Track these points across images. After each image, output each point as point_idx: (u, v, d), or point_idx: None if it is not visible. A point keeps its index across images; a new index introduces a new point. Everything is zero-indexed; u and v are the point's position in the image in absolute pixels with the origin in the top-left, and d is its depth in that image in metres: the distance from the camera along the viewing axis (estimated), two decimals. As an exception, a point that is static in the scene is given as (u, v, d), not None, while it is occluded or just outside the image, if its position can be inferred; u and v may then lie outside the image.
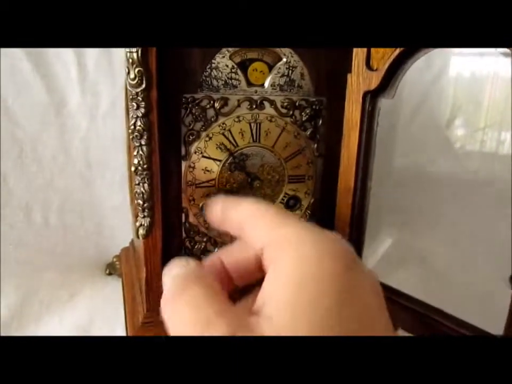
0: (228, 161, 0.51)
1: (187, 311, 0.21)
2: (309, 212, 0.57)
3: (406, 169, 0.92)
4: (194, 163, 0.50)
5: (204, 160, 0.50)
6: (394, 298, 0.50)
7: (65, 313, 0.59)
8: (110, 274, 0.71)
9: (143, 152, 0.44)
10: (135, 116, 0.43)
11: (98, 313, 0.60)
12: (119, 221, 0.72)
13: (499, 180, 0.93)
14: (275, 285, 0.20)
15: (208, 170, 0.51)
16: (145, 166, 0.45)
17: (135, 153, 0.44)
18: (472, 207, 0.92)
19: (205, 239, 0.53)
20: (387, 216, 0.88)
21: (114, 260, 0.71)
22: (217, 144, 0.50)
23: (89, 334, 0.55)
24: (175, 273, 0.23)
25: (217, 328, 0.19)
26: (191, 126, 0.49)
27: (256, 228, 0.23)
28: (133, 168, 0.45)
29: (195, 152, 0.50)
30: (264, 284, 0.21)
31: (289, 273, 0.19)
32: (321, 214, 0.57)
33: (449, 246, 0.85)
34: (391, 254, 0.82)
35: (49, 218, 0.68)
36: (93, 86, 0.68)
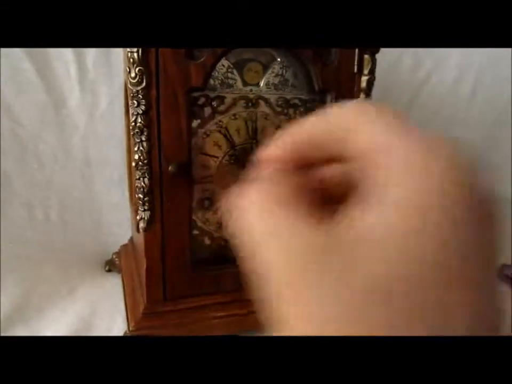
0: (229, 153, 0.53)
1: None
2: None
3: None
4: (192, 160, 0.52)
5: (202, 156, 0.52)
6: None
7: (67, 306, 0.60)
8: (109, 271, 0.72)
9: (144, 148, 0.46)
10: (136, 113, 0.45)
11: (99, 305, 0.61)
12: (117, 218, 0.73)
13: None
14: (385, 189, 0.16)
15: (207, 167, 0.53)
16: (145, 161, 0.46)
17: (135, 148, 0.46)
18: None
19: (203, 233, 0.55)
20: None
21: (114, 256, 0.72)
22: (214, 141, 0.52)
23: (91, 325, 0.56)
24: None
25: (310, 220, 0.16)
26: (189, 124, 0.50)
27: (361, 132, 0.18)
28: (133, 164, 0.47)
29: (193, 149, 0.51)
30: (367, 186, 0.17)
31: (399, 180, 0.16)
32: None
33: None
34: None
35: (49, 215, 0.70)
36: (92, 85, 0.70)
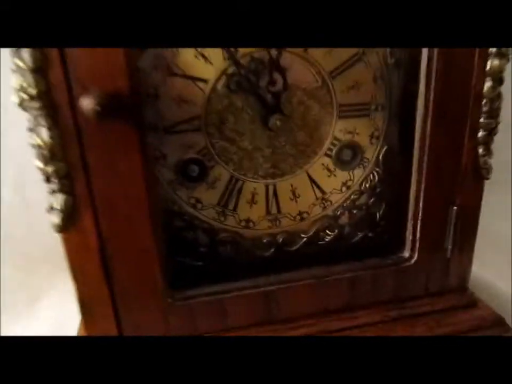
0: (227, 72, 0.27)
1: None
2: (377, 170, 0.32)
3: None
4: (157, 89, 0.27)
5: (178, 81, 0.27)
6: None
7: (25, 323, 0.44)
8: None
9: (27, 65, 0.22)
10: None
11: (69, 320, 0.42)
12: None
13: None
14: None
15: (186, 101, 0.28)
16: (34, 95, 0.22)
17: (14, 69, 0.22)
18: None
19: (192, 224, 0.31)
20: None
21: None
22: (197, 51, 0.27)
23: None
24: None
25: None
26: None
27: None
28: (16, 101, 0.23)
29: (155, 68, 0.26)
30: None
31: None
32: (400, 174, 0.31)
33: None
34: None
35: (2, 194, 0.51)
36: None
